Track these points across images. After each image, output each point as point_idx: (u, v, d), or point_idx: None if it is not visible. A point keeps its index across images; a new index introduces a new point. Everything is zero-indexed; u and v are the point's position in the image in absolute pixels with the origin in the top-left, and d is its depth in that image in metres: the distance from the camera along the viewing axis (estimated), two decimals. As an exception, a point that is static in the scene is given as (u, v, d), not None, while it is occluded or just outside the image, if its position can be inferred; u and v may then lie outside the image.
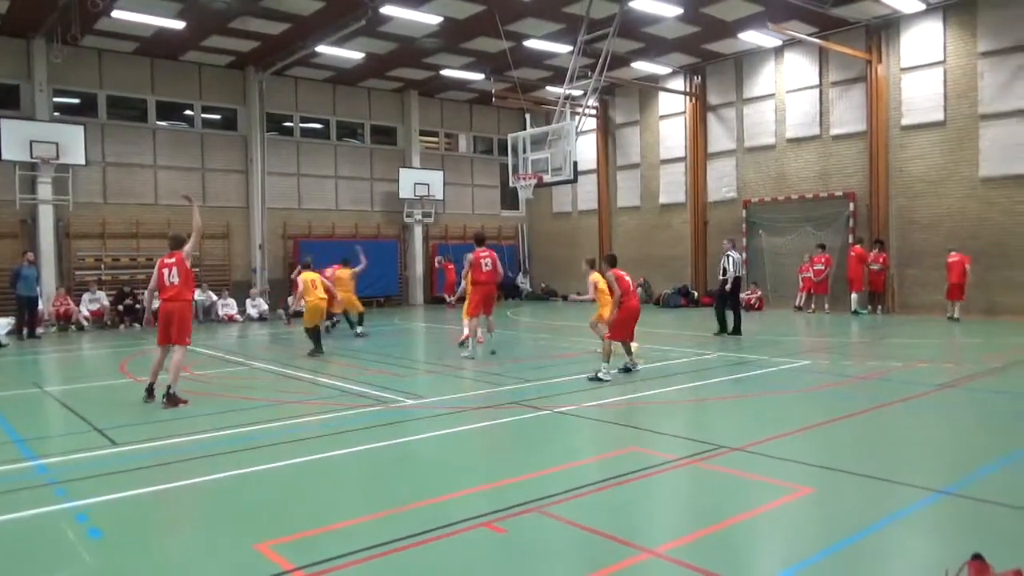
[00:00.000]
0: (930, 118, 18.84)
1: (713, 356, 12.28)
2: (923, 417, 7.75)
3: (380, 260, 23.43)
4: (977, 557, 3.53)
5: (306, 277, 13.43)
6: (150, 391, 8.94)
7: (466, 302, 13.13)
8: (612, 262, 10.69)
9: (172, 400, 8.69)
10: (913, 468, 5.92)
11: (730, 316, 15.22)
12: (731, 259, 15.22)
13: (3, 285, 17.92)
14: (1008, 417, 7.80)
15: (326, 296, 13.52)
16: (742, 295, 21.74)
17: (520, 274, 29.60)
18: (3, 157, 18.64)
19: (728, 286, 15.15)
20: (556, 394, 9.16)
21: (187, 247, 9.35)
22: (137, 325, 19.64)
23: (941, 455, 6.42)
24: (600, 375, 9.93)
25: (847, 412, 7.74)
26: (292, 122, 25.05)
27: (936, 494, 5.10)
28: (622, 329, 10.44)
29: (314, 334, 13.17)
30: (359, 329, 16.07)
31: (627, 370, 10.52)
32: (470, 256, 13.01)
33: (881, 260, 19.17)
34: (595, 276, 10.94)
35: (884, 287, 19.39)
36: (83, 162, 19.81)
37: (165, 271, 9.16)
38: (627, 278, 10.59)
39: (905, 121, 19.30)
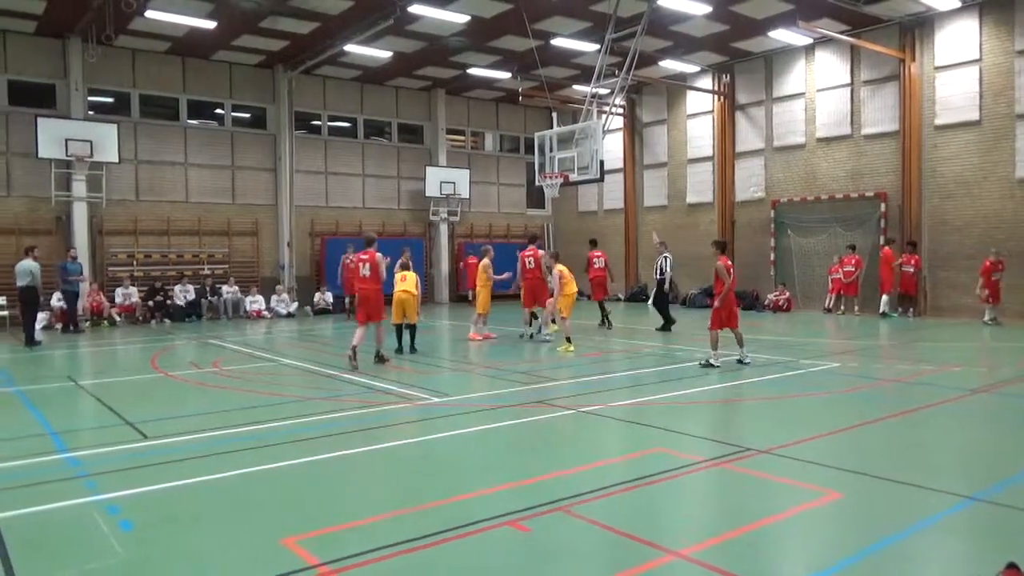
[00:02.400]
0: (965, 117, 18.49)
1: (743, 357, 12.13)
2: (955, 422, 7.61)
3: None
4: (1012, 566, 3.46)
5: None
6: (354, 354, 11.03)
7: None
8: (722, 248, 11.54)
9: (380, 359, 11.44)
10: (944, 474, 5.82)
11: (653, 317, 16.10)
12: (668, 260, 16.69)
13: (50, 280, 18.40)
14: (1043, 423, 7.64)
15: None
16: (770, 296, 21.67)
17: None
18: (39, 155, 19.05)
19: (666, 285, 16.79)
20: (582, 393, 9.14)
21: (379, 256, 11.41)
22: (167, 320, 19.96)
23: (973, 461, 6.30)
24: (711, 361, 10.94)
25: (877, 416, 7.63)
26: (320, 120, 25.25)
27: (967, 500, 5.01)
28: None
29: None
30: None
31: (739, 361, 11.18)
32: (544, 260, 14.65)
33: (913, 262, 18.83)
34: (560, 268, 13.53)
35: (916, 290, 19.06)
36: (116, 160, 20.15)
37: (360, 265, 11.42)
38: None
39: (939, 121, 18.96)
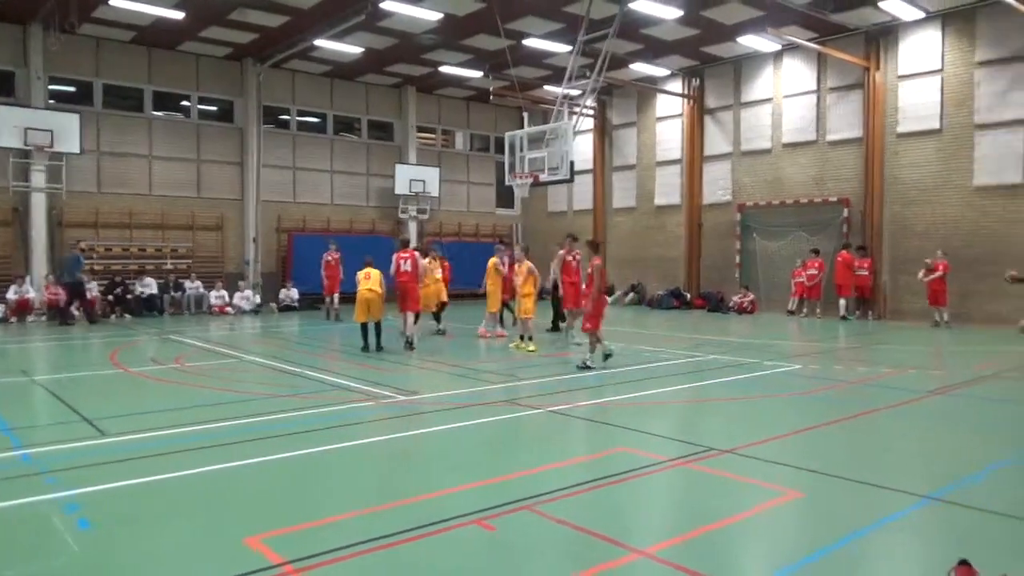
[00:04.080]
0: (926, 126, 18.92)
1: (706, 358, 12.30)
2: (912, 423, 7.78)
3: (374, 256, 23.32)
4: (964, 563, 3.55)
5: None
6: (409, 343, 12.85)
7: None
8: (596, 248, 11.65)
9: (410, 346, 12.81)
10: (901, 473, 5.94)
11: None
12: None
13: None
14: (997, 424, 7.84)
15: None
16: (735, 298, 21.97)
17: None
18: (-3, 143, 18.55)
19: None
20: (549, 392, 9.17)
21: (418, 254, 13.57)
22: (128, 316, 19.58)
23: (929, 461, 6.45)
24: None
25: (837, 416, 7.77)
26: (289, 115, 24.98)
27: (924, 499, 5.12)
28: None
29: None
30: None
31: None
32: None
33: (866, 266, 19.26)
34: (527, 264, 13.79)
35: (872, 293, 19.47)
36: (78, 150, 19.71)
37: (401, 261, 13.17)
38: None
39: (901, 128, 19.38)
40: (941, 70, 18.65)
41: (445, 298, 16.13)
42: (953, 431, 7.54)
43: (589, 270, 11.26)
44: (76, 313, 19.00)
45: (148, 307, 20.06)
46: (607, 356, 11.13)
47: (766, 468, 5.86)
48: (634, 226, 26.36)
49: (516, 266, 14.54)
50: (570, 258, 13.65)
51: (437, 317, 15.83)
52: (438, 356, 12.60)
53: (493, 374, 10.47)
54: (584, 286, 11.71)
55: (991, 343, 14.37)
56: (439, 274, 15.80)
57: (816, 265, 20.12)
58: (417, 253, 13.94)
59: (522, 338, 13.21)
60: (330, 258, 19.33)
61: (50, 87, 20.36)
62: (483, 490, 5.28)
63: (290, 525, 4.58)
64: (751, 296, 21.82)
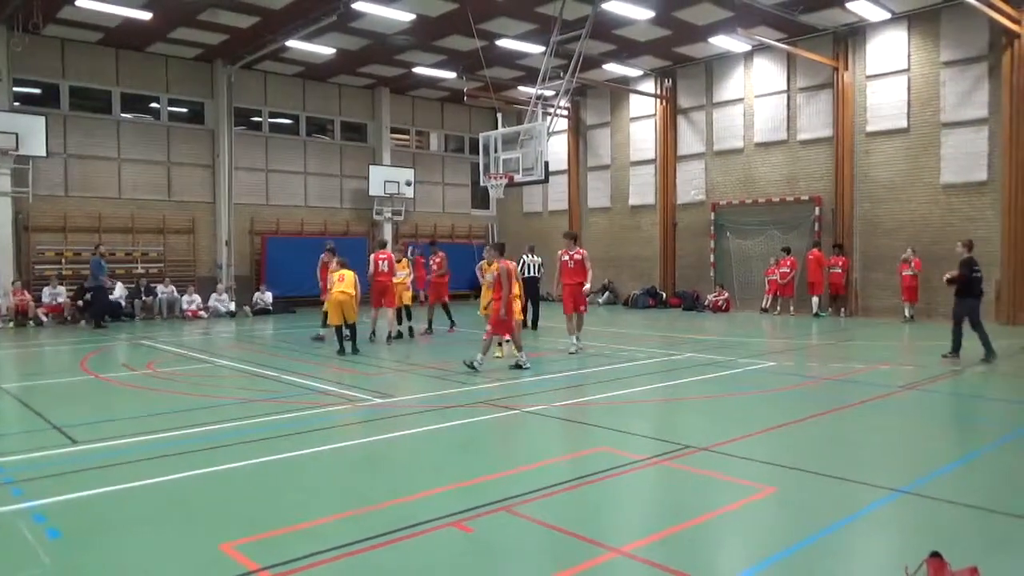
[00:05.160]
0: (894, 125, 19.22)
1: (681, 357, 12.39)
2: (884, 418, 7.90)
3: (349, 258, 23.18)
4: (935, 555, 3.61)
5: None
6: (397, 335, 14.30)
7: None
8: (501, 251, 11.54)
9: (389, 340, 14.05)
10: (873, 468, 6.03)
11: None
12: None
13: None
14: (965, 418, 8.00)
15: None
16: (709, 297, 22.16)
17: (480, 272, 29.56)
18: (-40, 147, 18.16)
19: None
20: (525, 393, 9.17)
21: (393, 254, 14.61)
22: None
23: (900, 455, 6.55)
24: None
25: (810, 413, 7.87)
26: (261, 117, 24.74)
27: (895, 493, 5.20)
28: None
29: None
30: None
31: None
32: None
33: (841, 263, 19.55)
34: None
35: (845, 290, 19.75)
36: (44, 154, 19.32)
37: (380, 261, 14.12)
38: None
39: (870, 127, 19.67)
40: (908, 70, 18.96)
41: (407, 300, 15.44)
42: (925, 425, 7.67)
43: (496, 274, 11.05)
44: (44, 318, 18.71)
45: (114, 313, 19.66)
46: (517, 366, 10.78)
47: (741, 465, 5.91)
48: (609, 226, 26.47)
49: (485, 266, 13.95)
50: (567, 259, 12.87)
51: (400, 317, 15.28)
52: (415, 358, 12.55)
53: (470, 375, 10.44)
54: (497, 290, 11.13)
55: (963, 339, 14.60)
56: (401, 275, 15.03)
57: (788, 263, 20.36)
58: (392, 254, 14.64)
59: (500, 344, 12.45)
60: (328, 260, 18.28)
61: (15, 89, 19.95)
62: (460, 492, 5.26)
63: (266, 531, 4.53)
64: (726, 294, 22.01)
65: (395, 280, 14.55)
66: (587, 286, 12.73)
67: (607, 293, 25.50)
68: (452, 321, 16.26)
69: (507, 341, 11.96)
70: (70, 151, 20.84)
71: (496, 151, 17.48)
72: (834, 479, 5.53)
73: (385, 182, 26.07)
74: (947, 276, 11.77)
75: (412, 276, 15.69)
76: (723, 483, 5.52)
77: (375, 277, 14.15)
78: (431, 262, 16.17)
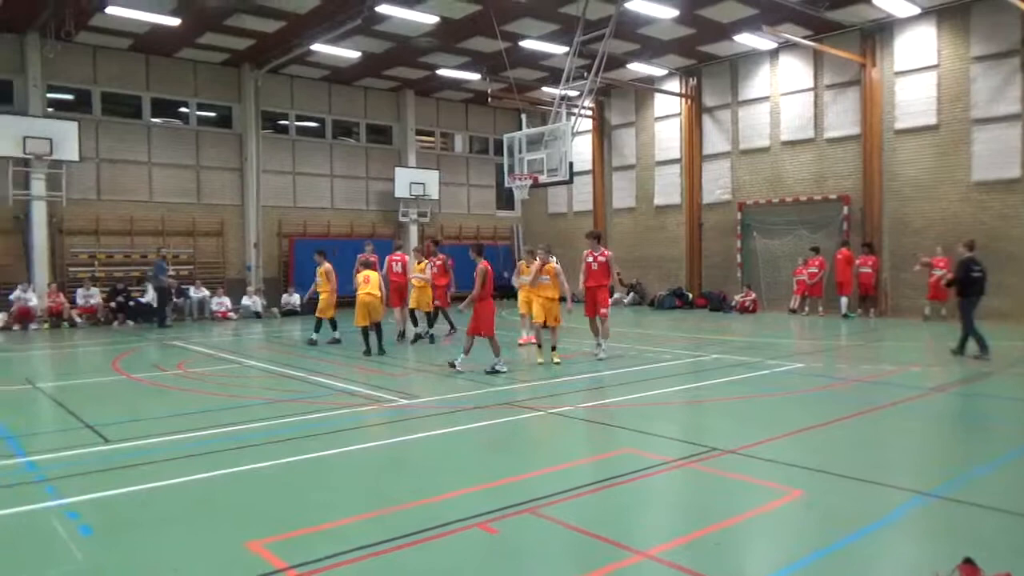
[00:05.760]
0: (923, 122, 18.91)
1: (708, 358, 12.31)
2: (913, 421, 7.78)
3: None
4: (968, 561, 3.55)
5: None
6: (411, 336, 14.42)
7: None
8: (479, 251, 11.34)
9: (400, 338, 14.53)
10: (903, 471, 5.94)
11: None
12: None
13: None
14: (998, 421, 7.85)
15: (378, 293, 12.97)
16: (736, 297, 21.96)
17: (515, 274, 29.56)
18: (-4, 153, 18.55)
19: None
20: (551, 394, 9.17)
21: (408, 256, 15.41)
22: (130, 322, 19.59)
23: (931, 458, 6.45)
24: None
25: (839, 415, 7.77)
26: (288, 120, 25.00)
27: (926, 497, 5.12)
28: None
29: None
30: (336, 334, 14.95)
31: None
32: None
33: (870, 263, 19.25)
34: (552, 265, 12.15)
35: (875, 290, 19.46)
36: (77, 158, 19.70)
37: (394, 263, 14.75)
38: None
39: (899, 125, 19.37)
40: (937, 66, 18.65)
41: (431, 304, 14.91)
42: (955, 428, 7.55)
43: (475, 274, 10.85)
44: (78, 319, 19.08)
45: (147, 315, 19.98)
46: (493, 371, 10.60)
47: (769, 468, 5.86)
48: (634, 226, 26.35)
49: (523, 265, 13.69)
50: (591, 260, 12.38)
51: (425, 319, 14.99)
52: (439, 361, 12.59)
53: (495, 377, 10.46)
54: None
55: (992, 339, 14.32)
56: (419, 274, 14.72)
57: (817, 263, 20.10)
58: (407, 256, 15.45)
59: (554, 348, 11.78)
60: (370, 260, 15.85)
61: (48, 95, 20.38)
62: (485, 493, 5.28)
63: (292, 530, 4.58)
64: (753, 295, 21.80)
65: (412, 281, 14.66)
66: (617, 294, 12.21)
67: (632, 294, 25.38)
68: (452, 327, 15.13)
69: (534, 344, 11.92)
70: (102, 155, 21.22)
71: (520, 152, 17.50)
72: (862, 482, 5.46)
73: (411, 184, 26.21)
74: (945, 279, 11.68)
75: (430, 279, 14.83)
76: (750, 486, 5.47)
77: (388, 278, 14.43)
78: (433, 263, 15.10)
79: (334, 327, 14.76)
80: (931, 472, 5.94)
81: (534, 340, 12.94)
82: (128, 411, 8.46)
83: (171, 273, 19.43)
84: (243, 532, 4.57)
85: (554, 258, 12.57)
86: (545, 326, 11.99)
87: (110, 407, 8.71)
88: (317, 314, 14.83)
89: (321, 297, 14.64)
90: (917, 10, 18.36)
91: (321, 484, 5.70)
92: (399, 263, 14.88)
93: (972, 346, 11.61)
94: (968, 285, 11.65)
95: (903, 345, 13.72)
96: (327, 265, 14.63)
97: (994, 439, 6.99)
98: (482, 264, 10.89)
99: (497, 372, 10.60)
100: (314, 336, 14.70)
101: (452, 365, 10.88)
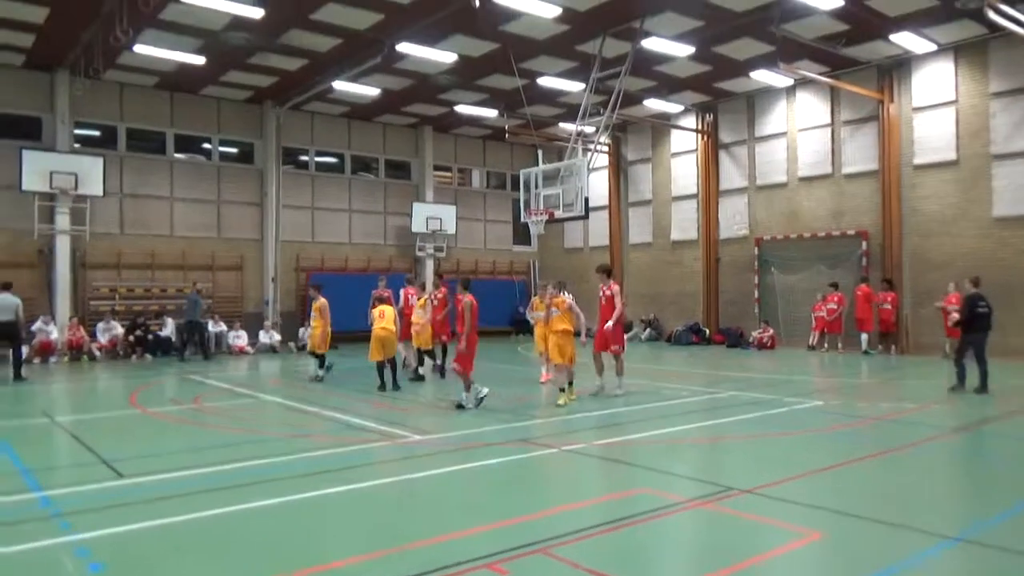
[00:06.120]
0: (943, 157, 18.84)
1: (725, 395, 12.16)
2: (935, 461, 7.62)
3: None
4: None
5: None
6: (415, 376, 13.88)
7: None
8: (466, 285, 11.14)
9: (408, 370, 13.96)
10: (925, 513, 5.80)
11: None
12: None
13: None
14: (1021, 463, 7.65)
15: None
16: (754, 333, 21.76)
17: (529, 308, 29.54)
18: (23, 188, 18.95)
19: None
20: (565, 432, 9.08)
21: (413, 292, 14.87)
22: (149, 356, 19.71)
23: (954, 500, 6.29)
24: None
25: (859, 455, 7.62)
26: (308, 156, 25.38)
27: (949, 541, 4.99)
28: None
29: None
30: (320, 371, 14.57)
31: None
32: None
33: (890, 300, 19.03)
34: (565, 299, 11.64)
35: (895, 327, 19.21)
36: (101, 193, 20.09)
37: (410, 296, 14.41)
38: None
39: (917, 160, 19.31)
40: (955, 101, 18.64)
41: (430, 341, 14.18)
42: (979, 469, 7.37)
43: (460, 306, 10.76)
44: (97, 353, 19.23)
45: (165, 348, 20.13)
46: (479, 401, 10.56)
47: (787, 508, 5.75)
48: (651, 261, 26.32)
49: (537, 301, 13.45)
50: (600, 295, 12.07)
51: (423, 358, 14.31)
52: (453, 396, 12.53)
53: (509, 413, 10.40)
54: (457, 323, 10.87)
55: (1013, 377, 14.08)
56: (419, 311, 14.04)
57: (836, 299, 19.93)
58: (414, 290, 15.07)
59: (562, 389, 11.27)
60: (384, 295, 15.26)
61: (75, 131, 20.85)
62: (496, 533, 5.21)
63: (301, 567, 4.53)
64: (771, 331, 21.61)
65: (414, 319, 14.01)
66: (608, 323, 11.65)
67: (649, 329, 25.24)
68: (435, 363, 14.60)
69: (556, 383, 11.47)
70: (126, 190, 21.60)
71: (537, 187, 17.62)
72: (884, 525, 5.32)
73: (427, 219, 26.41)
74: (952, 320, 12.17)
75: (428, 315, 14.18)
76: (767, 527, 5.36)
77: (403, 311, 14.20)
78: (433, 297, 14.54)
79: (321, 364, 14.40)
80: (955, 515, 5.79)
81: (548, 378, 12.63)
82: (144, 446, 8.48)
83: (205, 307, 19.90)
84: (253, 570, 4.53)
85: (568, 293, 12.37)
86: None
87: (126, 442, 8.73)
88: (310, 350, 14.68)
89: (314, 332, 14.41)
90: (934, 47, 18.41)
91: (332, 521, 5.65)
92: (414, 296, 14.65)
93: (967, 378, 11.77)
94: (973, 320, 11.73)
95: (924, 383, 13.50)
96: (322, 300, 14.37)
97: (1019, 481, 6.82)
98: (467, 298, 10.75)
99: (463, 408, 10.47)
100: (320, 372, 14.42)
101: (460, 405, 10.63)
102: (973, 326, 11.78)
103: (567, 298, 11.82)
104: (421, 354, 14.26)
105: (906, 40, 17.94)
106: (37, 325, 18.50)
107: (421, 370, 14.25)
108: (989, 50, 17.97)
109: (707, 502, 5.95)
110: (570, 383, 11.39)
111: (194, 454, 7.85)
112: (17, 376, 14.48)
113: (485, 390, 10.73)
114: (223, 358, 20.13)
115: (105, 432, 9.45)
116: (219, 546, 5.08)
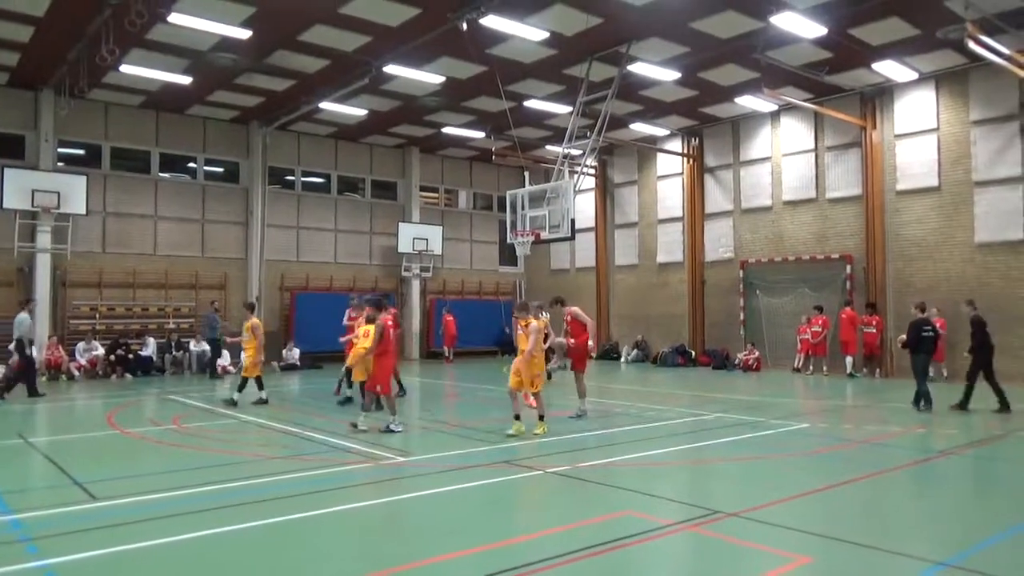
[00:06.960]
0: (925, 183, 19.05)
1: (711, 417, 12.11)
2: (923, 485, 7.58)
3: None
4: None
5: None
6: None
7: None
8: (378, 305, 10.92)
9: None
10: (913, 538, 5.75)
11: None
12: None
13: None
14: (1010, 486, 7.63)
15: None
16: (740, 355, 21.78)
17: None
18: (4, 205, 18.68)
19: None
20: (549, 453, 8.98)
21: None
22: (129, 376, 19.43)
23: (942, 525, 6.24)
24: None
25: (846, 478, 7.57)
26: (294, 176, 25.31)
27: (938, 566, 4.93)
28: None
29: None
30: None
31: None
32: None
33: (874, 323, 19.15)
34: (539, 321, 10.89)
35: (880, 350, 19.30)
36: (83, 211, 19.88)
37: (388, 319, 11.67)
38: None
39: (900, 186, 19.51)
40: (937, 129, 18.88)
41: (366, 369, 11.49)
42: (967, 493, 7.34)
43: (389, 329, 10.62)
44: (76, 372, 18.93)
45: (145, 368, 19.86)
46: (388, 430, 10.26)
47: (773, 532, 5.68)
48: (637, 283, 26.37)
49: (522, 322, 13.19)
50: (567, 319, 11.97)
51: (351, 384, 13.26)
52: (438, 416, 12.42)
53: (494, 434, 10.28)
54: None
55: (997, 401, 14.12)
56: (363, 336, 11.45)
57: (820, 322, 20.01)
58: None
59: (541, 418, 10.49)
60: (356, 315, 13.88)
61: (59, 150, 20.68)
62: (479, 556, 5.10)
63: (279, 595, 4.41)
64: (756, 353, 21.64)
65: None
66: (560, 339, 12.04)
67: (635, 351, 25.21)
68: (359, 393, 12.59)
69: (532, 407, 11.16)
70: (109, 209, 21.42)
71: (523, 209, 17.63)
72: (872, 549, 5.26)
73: (414, 239, 26.37)
74: (900, 339, 13.23)
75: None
76: (754, 551, 5.28)
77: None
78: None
79: (260, 386, 13.59)
80: (944, 539, 5.73)
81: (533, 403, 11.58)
82: (119, 467, 8.30)
83: (223, 325, 20.03)
84: (227, 596, 4.39)
85: (544, 314, 12.25)
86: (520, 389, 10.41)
87: (101, 463, 8.55)
88: (244, 374, 13.69)
89: (246, 354, 13.62)
90: (916, 75, 18.68)
91: (312, 545, 5.52)
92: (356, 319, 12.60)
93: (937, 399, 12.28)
94: (918, 343, 12.77)
95: (909, 406, 13.51)
96: (254, 320, 13.60)
97: (1009, 505, 6.78)
98: (380, 319, 10.59)
99: (392, 432, 10.27)
100: (263, 395, 13.56)
101: (389, 430, 10.29)
102: (919, 347, 12.79)
103: (542, 319, 11.46)
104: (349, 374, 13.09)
105: (888, 68, 18.19)
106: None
107: (348, 392, 13.63)
108: (970, 79, 18.25)
109: (693, 525, 5.87)
110: (541, 416, 10.50)
111: (169, 476, 7.67)
112: (32, 392, 14.87)
113: (398, 428, 10.47)
114: (205, 378, 19.85)
115: (80, 453, 9.25)
116: (194, 572, 4.93)
